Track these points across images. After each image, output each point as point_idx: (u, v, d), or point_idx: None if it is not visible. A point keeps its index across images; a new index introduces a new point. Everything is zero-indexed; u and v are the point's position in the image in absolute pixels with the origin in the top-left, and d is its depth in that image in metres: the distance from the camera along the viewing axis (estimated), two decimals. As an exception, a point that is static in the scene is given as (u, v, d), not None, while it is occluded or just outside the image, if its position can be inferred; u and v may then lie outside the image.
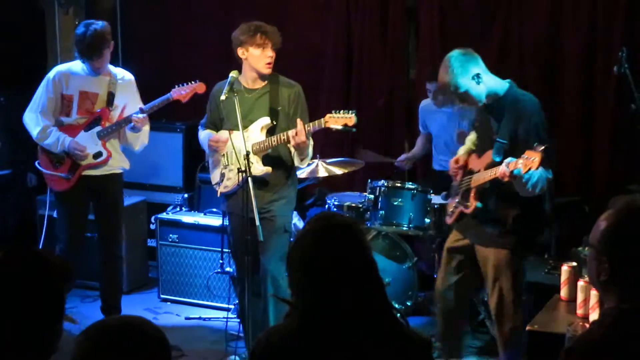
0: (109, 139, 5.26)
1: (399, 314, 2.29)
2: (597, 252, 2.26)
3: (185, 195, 6.52)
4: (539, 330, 3.62)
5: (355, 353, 2.18)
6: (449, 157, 5.83)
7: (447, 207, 4.64)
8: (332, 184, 6.26)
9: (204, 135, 4.90)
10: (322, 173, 5.45)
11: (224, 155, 4.79)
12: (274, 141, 4.62)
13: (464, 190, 4.41)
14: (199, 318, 5.84)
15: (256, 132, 4.69)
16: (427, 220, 5.39)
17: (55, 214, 5.55)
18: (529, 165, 3.84)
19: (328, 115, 4.51)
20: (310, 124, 4.53)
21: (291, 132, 4.50)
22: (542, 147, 3.87)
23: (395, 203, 5.37)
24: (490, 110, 4.25)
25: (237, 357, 4.99)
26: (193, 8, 6.99)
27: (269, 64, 4.67)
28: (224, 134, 4.75)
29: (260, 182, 4.64)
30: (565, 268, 3.96)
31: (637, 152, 5.65)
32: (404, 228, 5.41)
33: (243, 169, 4.44)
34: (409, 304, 5.60)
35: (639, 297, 2.20)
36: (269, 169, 4.69)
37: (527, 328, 3.66)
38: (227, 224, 5.01)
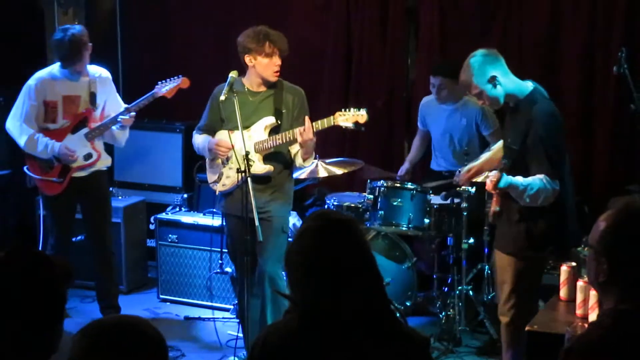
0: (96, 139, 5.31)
1: (397, 313, 2.28)
2: (596, 253, 2.26)
3: (185, 196, 6.52)
4: (538, 331, 3.62)
5: (355, 352, 2.17)
6: (444, 155, 5.86)
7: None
8: (331, 184, 6.25)
9: (201, 139, 4.85)
10: (321, 173, 5.45)
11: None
12: (279, 140, 4.60)
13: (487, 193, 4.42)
14: (198, 318, 5.84)
15: (259, 131, 4.68)
16: (427, 221, 5.38)
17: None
18: (488, 184, 3.95)
19: (338, 113, 4.50)
20: (319, 122, 4.52)
21: (298, 130, 4.50)
22: (502, 165, 3.97)
23: (395, 203, 5.37)
24: (512, 113, 4.23)
25: (236, 358, 4.99)
26: (193, 8, 6.99)
27: (276, 72, 4.67)
28: (223, 134, 4.75)
29: (258, 182, 4.62)
30: (564, 268, 3.95)
31: (637, 152, 5.66)
32: (404, 228, 5.40)
33: (243, 169, 4.44)
34: (408, 304, 5.60)
35: (638, 297, 2.20)
36: (271, 167, 4.68)
37: (527, 328, 3.65)
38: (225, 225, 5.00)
